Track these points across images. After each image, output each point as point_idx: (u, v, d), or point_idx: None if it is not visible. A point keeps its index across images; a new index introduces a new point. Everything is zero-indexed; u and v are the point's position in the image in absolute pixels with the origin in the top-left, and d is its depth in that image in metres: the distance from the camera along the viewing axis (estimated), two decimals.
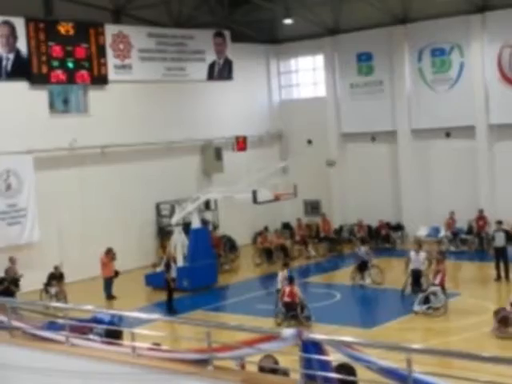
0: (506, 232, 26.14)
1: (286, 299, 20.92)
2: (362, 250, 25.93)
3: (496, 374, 6.82)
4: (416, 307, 20.94)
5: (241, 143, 33.49)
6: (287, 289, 21.20)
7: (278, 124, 36.45)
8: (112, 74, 29.55)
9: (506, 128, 30.14)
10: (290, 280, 21.57)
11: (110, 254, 25.80)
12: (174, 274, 24.32)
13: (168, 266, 24.34)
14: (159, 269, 27.01)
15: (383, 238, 32.26)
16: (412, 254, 23.27)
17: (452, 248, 30.28)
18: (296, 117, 35.98)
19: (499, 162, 30.63)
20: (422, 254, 23.14)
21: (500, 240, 25.42)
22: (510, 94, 30.00)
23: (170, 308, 23.42)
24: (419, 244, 23.95)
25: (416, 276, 22.63)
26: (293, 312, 20.74)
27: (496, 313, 19.10)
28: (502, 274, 24.90)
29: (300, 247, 31.76)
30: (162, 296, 24.49)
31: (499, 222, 26.23)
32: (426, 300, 20.97)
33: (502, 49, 30.08)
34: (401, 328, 20.25)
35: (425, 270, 22.84)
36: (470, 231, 30.51)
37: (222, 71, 33.85)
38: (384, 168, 33.83)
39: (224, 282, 27.24)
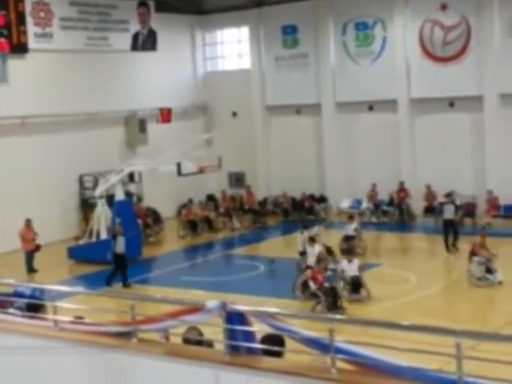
0: (455, 205, 26.52)
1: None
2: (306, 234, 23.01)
3: (414, 342, 7.02)
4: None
5: (165, 115, 33.21)
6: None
7: (203, 96, 36.26)
8: (32, 43, 28.79)
9: (426, 102, 30.75)
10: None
11: (29, 225, 25.26)
12: (122, 248, 23.09)
13: (114, 239, 23.29)
14: (82, 241, 26.73)
15: (307, 209, 32.60)
16: (344, 263, 20.67)
17: (373, 219, 30.88)
18: (221, 89, 35.86)
19: (420, 135, 31.27)
20: (356, 262, 20.55)
21: (450, 213, 25.55)
22: (430, 68, 30.59)
23: (125, 281, 22.59)
24: (351, 251, 21.75)
25: (355, 284, 20.09)
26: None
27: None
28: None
29: (224, 219, 31.84)
30: (85, 269, 24.26)
31: (448, 195, 26.51)
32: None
33: (423, 24, 30.59)
34: None
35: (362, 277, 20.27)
36: (391, 203, 31.12)
37: (145, 42, 33.40)
38: (308, 141, 34.12)
39: (148, 255, 27.11)
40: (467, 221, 28.69)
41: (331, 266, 21.79)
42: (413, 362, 5.90)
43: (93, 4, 31.09)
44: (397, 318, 15.84)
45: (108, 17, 31.63)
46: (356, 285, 20.01)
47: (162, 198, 32.38)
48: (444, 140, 30.54)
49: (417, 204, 30.50)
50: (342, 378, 5.90)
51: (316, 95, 33.51)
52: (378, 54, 31.89)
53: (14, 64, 28.66)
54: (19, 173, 28.42)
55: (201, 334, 7.47)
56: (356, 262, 20.59)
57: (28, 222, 25.34)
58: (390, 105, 31.46)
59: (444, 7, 30.07)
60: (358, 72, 32.34)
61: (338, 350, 5.99)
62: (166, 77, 34.38)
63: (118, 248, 23.08)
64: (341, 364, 6.02)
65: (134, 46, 32.93)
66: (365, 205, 31.55)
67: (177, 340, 7.56)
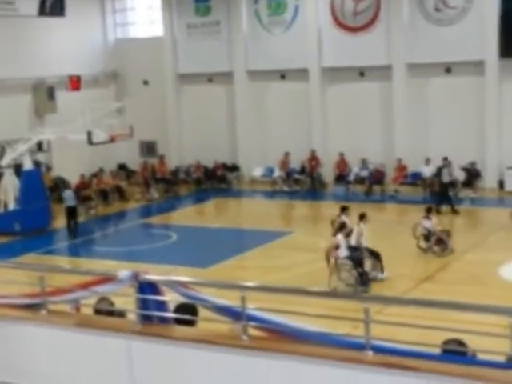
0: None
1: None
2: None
3: (324, 308, 7.17)
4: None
5: (75, 82, 32.47)
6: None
7: (114, 63, 35.60)
8: None
9: (337, 71, 31.07)
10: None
11: None
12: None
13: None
14: None
15: (219, 178, 32.62)
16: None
17: (285, 188, 31.16)
18: (132, 57, 35.27)
19: (331, 104, 31.61)
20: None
21: (447, 176, 26.16)
22: (341, 38, 30.87)
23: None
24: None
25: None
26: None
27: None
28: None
29: (143, 189, 31.44)
30: None
31: (445, 159, 26.77)
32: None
33: None
34: (236, 266, 20.72)
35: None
36: (302, 171, 31.46)
37: (53, 6, 32.36)
38: (221, 109, 34.03)
39: (58, 225, 26.62)
40: (376, 188, 29.30)
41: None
42: (323, 327, 6.03)
43: None
44: (309, 285, 16.10)
45: None
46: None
47: (72, 167, 31.77)
48: (354, 109, 30.96)
49: (328, 172, 30.94)
50: (254, 344, 5.98)
51: (228, 63, 33.39)
52: (290, 22, 31.96)
53: None
54: None
55: (112, 304, 7.42)
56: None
57: None
58: (302, 73, 31.65)
59: None
60: (270, 40, 32.36)
61: (250, 318, 6.06)
62: (75, 43, 33.56)
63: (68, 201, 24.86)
64: (253, 331, 6.10)
65: (42, 11, 31.88)
66: (277, 173, 31.78)
67: (88, 311, 7.49)
